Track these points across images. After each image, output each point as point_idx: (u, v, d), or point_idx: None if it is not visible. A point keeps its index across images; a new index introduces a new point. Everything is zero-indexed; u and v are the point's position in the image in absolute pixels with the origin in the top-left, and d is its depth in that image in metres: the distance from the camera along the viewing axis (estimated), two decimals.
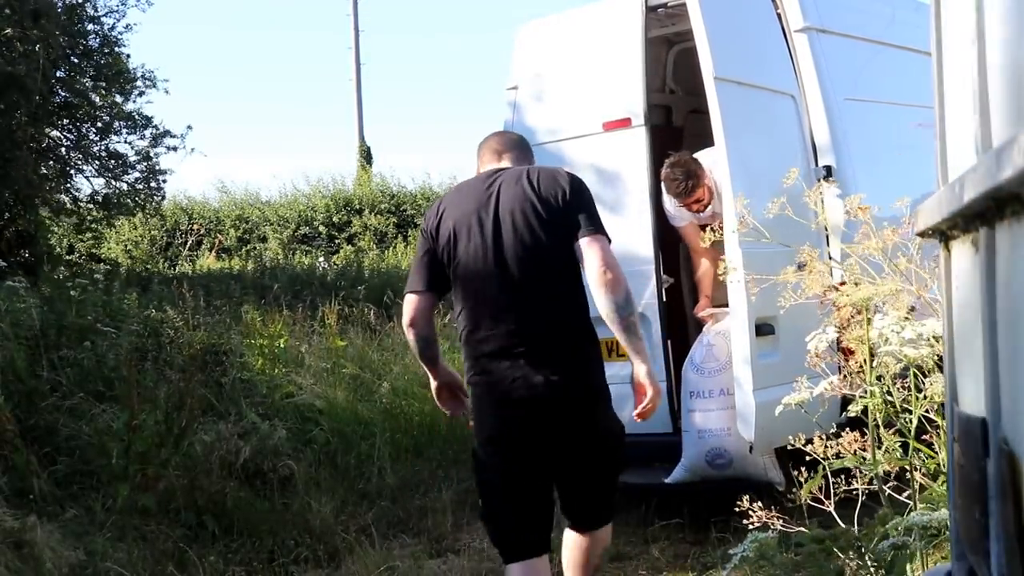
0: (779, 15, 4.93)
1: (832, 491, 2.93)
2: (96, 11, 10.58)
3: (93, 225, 12.00)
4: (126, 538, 4.31)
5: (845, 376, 2.99)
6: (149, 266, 13.98)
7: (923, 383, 2.72)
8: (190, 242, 16.35)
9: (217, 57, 60.76)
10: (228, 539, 4.64)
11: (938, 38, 1.30)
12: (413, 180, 18.19)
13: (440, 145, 50.08)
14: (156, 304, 7.35)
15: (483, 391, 3.02)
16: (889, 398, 2.79)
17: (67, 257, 13.02)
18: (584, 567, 3.12)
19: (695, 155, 4.77)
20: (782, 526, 2.87)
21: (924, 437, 2.78)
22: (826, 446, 2.84)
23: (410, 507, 5.33)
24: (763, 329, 4.38)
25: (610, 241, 2.98)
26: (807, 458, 2.92)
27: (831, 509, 2.94)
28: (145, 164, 11.07)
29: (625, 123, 4.88)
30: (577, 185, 3.05)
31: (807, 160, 4.78)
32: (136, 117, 10.92)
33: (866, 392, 2.82)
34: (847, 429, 2.90)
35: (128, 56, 10.86)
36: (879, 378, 2.81)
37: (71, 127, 10.86)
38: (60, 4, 9.84)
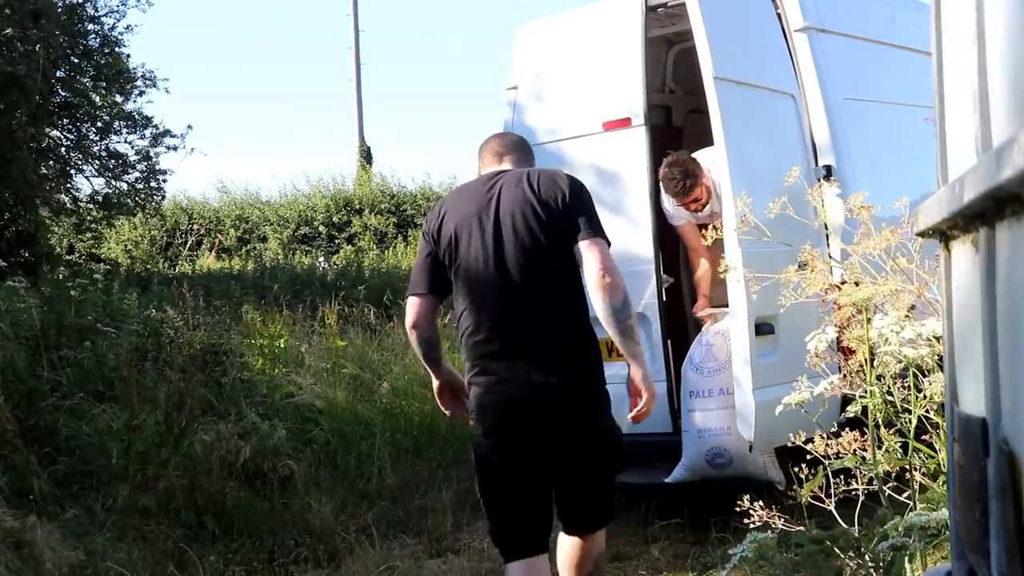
0: (779, 15, 4.93)
1: (832, 491, 2.93)
2: (96, 11, 10.60)
3: (93, 225, 12.01)
4: (126, 538, 4.32)
5: (845, 376, 2.99)
6: (149, 266, 13.99)
7: (923, 383, 2.72)
8: (190, 242, 16.34)
9: (217, 57, 60.83)
10: (228, 539, 4.64)
11: (938, 38, 1.30)
12: (413, 180, 18.21)
13: (440, 145, 50.20)
14: (156, 304, 7.34)
15: (483, 392, 3.02)
16: (889, 398, 2.79)
17: (67, 257, 13.01)
18: (580, 568, 3.12)
19: (693, 154, 4.78)
20: (782, 526, 2.87)
21: (924, 437, 2.78)
22: (826, 445, 2.84)
23: (410, 507, 5.34)
24: (763, 328, 4.38)
25: (609, 244, 2.99)
26: (807, 456, 2.92)
27: (831, 509, 2.94)
28: (145, 164, 11.07)
29: (625, 123, 4.88)
30: (577, 188, 3.05)
31: (807, 160, 4.78)
32: (136, 117, 10.92)
33: (866, 392, 2.82)
34: (847, 429, 2.90)
35: (128, 56, 10.88)
36: (879, 378, 2.81)
37: (71, 127, 10.86)
38: (60, 4, 9.84)
